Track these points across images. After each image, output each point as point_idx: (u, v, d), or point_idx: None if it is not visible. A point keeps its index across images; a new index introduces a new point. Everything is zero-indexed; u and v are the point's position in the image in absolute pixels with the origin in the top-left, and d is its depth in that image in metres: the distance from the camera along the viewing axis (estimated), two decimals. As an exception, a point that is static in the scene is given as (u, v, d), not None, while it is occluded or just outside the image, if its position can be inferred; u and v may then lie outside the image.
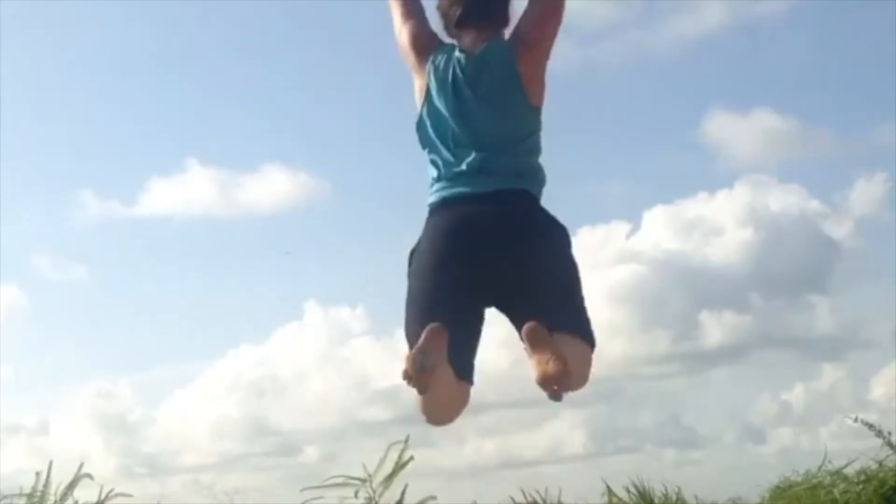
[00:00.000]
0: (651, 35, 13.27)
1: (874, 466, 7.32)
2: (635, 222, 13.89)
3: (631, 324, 13.14)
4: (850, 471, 7.49)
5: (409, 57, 3.08)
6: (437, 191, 2.91)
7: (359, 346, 13.67)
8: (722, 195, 14.24)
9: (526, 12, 3.02)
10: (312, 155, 15.52)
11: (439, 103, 2.96)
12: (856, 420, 7.49)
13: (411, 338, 2.66)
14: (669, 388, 15.44)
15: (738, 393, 14.83)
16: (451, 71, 2.96)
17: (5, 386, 13.24)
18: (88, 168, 15.74)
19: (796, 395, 13.82)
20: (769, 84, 14.80)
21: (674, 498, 7.95)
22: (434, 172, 2.94)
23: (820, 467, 7.66)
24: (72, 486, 5.52)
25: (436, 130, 2.95)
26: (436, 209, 2.91)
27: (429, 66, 3.00)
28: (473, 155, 2.87)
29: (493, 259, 2.75)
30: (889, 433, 7.24)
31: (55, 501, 5.53)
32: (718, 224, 13.86)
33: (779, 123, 14.46)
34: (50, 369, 14.39)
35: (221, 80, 15.44)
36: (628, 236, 13.92)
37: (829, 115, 15.48)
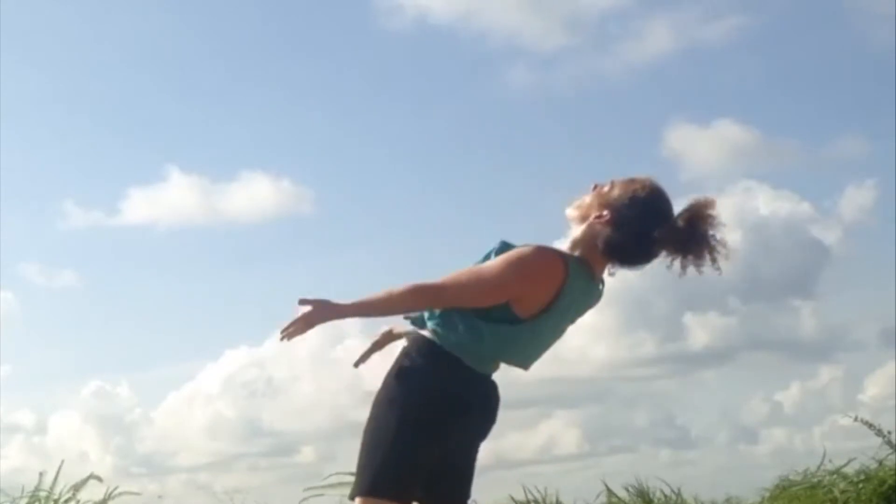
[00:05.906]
0: (602, 59, 13.32)
1: (874, 465, 7.33)
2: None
3: (615, 326, 13.12)
4: (849, 470, 7.51)
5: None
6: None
7: (351, 348, 13.63)
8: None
9: None
10: (295, 161, 15.46)
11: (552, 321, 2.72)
12: (855, 419, 7.51)
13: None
14: (660, 389, 15.50)
15: (728, 394, 14.92)
16: (587, 301, 2.77)
17: (3, 386, 13.18)
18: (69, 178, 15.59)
19: (788, 395, 13.89)
20: (727, 98, 14.91)
21: (673, 498, 7.93)
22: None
23: (819, 466, 7.68)
24: (78, 487, 5.46)
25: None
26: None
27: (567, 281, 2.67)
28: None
29: None
30: (889, 432, 7.26)
31: (58, 501, 5.46)
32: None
33: (741, 134, 14.57)
34: (47, 370, 14.32)
35: (201, 85, 15.33)
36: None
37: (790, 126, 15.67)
